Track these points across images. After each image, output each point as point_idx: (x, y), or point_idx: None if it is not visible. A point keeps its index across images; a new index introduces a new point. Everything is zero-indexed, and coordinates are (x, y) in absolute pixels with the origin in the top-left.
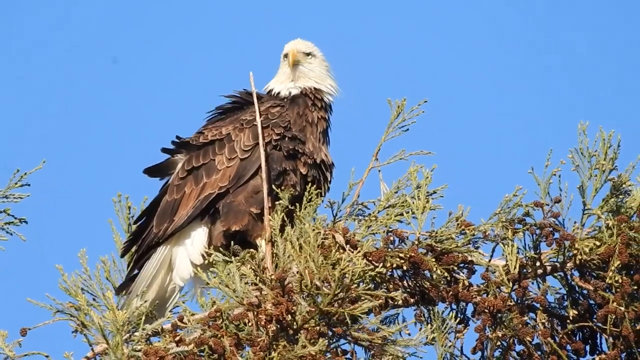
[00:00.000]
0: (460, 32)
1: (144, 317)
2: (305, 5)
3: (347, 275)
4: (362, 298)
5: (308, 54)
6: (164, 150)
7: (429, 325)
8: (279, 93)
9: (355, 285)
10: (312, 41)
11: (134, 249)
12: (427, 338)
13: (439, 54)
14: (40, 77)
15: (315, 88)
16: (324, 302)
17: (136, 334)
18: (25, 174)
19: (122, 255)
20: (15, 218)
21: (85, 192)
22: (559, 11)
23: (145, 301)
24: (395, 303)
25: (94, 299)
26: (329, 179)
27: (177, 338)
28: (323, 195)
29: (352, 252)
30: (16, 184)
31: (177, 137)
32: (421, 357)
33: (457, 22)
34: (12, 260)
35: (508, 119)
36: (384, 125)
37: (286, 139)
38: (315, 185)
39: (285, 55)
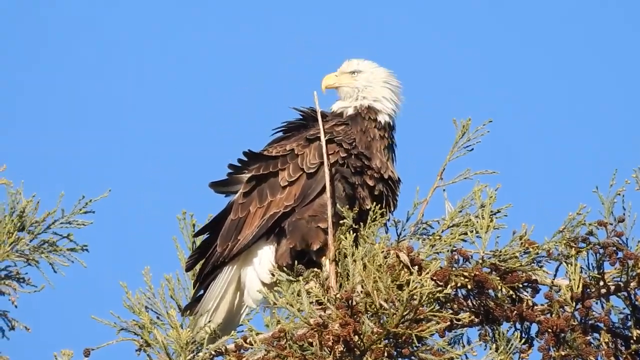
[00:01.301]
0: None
1: (207, 337)
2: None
3: (415, 296)
4: (429, 319)
5: (353, 72)
6: (231, 168)
7: (494, 344)
8: (337, 112)
9: (423, 306)
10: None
11: (198, 266)
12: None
13: (505, 72)
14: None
15: (368, 106)
16: (392, 323)
17: (200, 354)
18: (91, 200)
19: (187, 270)
20: (77, 245)
21: (149, 209)
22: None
23: (210, 321)
24: (461, 323)
25: (157, 317)
26: (397, 195)
27: (242, 358)
28: (392, 210)
29: (419, 273)
30: (80, 210)
31: (244, 152)
32: None
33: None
34: (72, 287)
35: (573, 138)
36: (446, 143)
37: (352, 156)
38: (383, 201)
39: None
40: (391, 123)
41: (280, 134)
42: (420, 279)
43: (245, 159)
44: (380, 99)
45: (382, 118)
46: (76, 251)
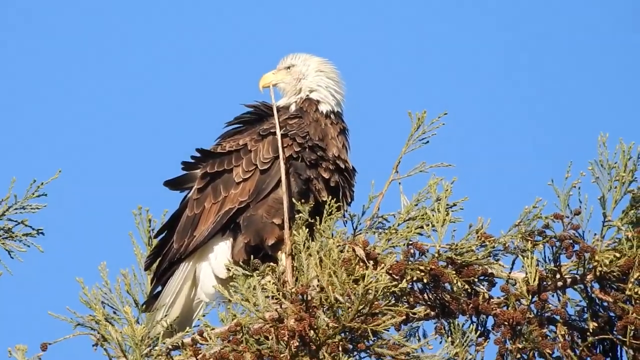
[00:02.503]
0: (473, 39)
1: (162, 332)
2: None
3: (370, 291)
4: (385, 313)
5: (288, 67)
6: (185, 165)
7: (450, 338)
8: (283, 106)
9: (378, 300)
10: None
11: (156, 264)
12: (449, 354)
13: (455, 61)
14: (57, 81)
15: (307, 97)
16: (347, 317)
17: (156, 348)
18: (42, 183)
19: (146, 269)
20: (33, 229)
21: (105, 204)
22: (568, 14)
23: (166, 316)
24: (417, 317)
25: (114, 312)
26: (353, 185)
27: (198, 353)
28: (349, 202)
29: (375, 267)
30: (33, 194)
31: (197, 149)
32: None
33: (470, 29)
34: (30, 272)
35: (527, 130)
36: (401, 136)
37: (307, 149)
38: (340, 192)
39: None
40: (334, 110)
41: (233, 127)
42: (376, 274)
43: (199, 155)
44: (316, 88)
45: (324, 108)
46: (32, 236)
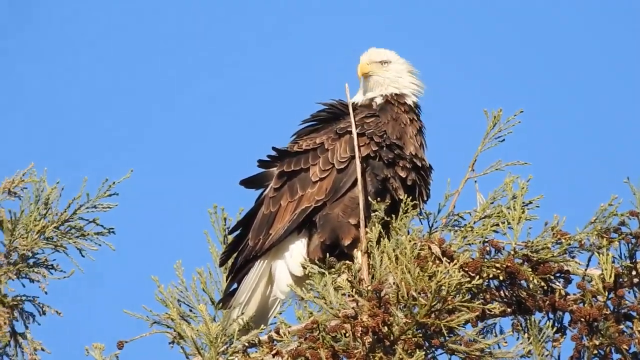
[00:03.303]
0: (546, 35)
1: (236, 330)
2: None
3: (443, 287)
4: (459, 309)
5: (382, 62)
6: (261, 163)
7: (526, 334)
8: (363, 104)
9: (452, 296)
10: (391, 47)
11: (231, 260)
12: (524, 350)
13: (532, 58)
14: (140, 83)
15: (395, 94)
16: (421, 313)
17: (232, 346)
18: (114, 183)
19: (221, 265)
20: (104, 228)
21: (180, 203)
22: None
23: (243, 314)
24: (492, 313)
25: (190, 310)
26: (429, 183)
27: (274, 350)
28: (425, 200)
29: (449, 264)
30: (105, 193)
31: (274, 148)
32: None
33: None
34: (102, 271)
35: (604, 128)
36: (477, 135)
37: (384, 148)
38: (416, 191)
39: None
40: (418, 104)
41: (309, 125)
42: (448, 270)
43: (275, 154)
44: (407, 86)
45: (410, 100)
46: (104, 235)
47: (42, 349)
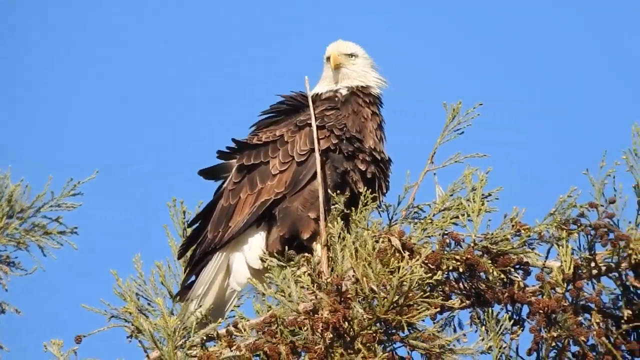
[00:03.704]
0: (512, 29)
1: (194, 323)
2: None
3: (405, 282)
4: (420, 304)
5: (350, 55)
6: (220, 155)
7: (484, 326)
8: (326, 96)
9: (413, 292)
10: (355, 39)
11: (189, 253)
12: (484, 347)
13: (489, 49)
14: (96, 77)
15: (362, 86)
16: (381, 308)
17: (190, 339)
18: (79, 182)
19: (179, 257)
20: (67, 227)
21: (138, 196)
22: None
23: (200, 306)
24: (452, 307)
25: (149, 304)
26: (388, 176)
27: (233, 344)
28: (384, 192)
29: (411, 258)
30: (69, 192)
31: (233, 139)
32: None
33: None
34: (64, 270)
35: (562, 120)
36: (436, 127)
37: (344, 141)
38: (376, 184)
39: (328, 58)
40: (381, 97)
41: (269, 116)
42: (411, 265)
43: (234, 146)
44: (374, 80)
45: (374, 91)
46: (66, 234)
47: (1, 347)
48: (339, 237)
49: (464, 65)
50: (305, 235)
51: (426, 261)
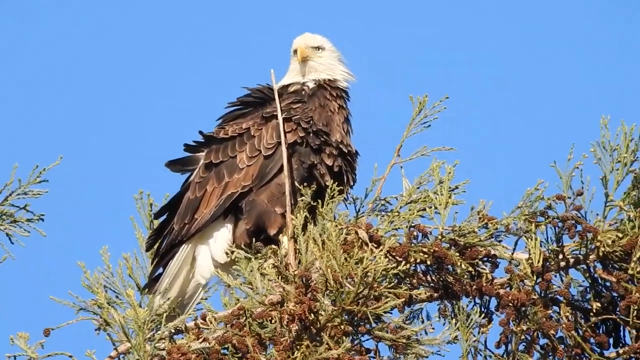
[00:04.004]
0: (477, 25)
1: (164, 315)
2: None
3: (369, 273)
4: (386, 296)
5: (317, 48)
6: (187, 148)
7: (454, 320)
8: (294, 89)
9: (378, 283)
10: (321, 33)
11: (156, 245)
12: (450, 336)
13: (458, 46)
14: (58, 68)
15: (329, 79)
16: (347, 300)
17: (159, 332)
18: (45, 169)
19: (147, 250)
20: (34, 214)
21: (105, 188)
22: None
23: (168, 299)
24: (419, 299)
25: (117, 297)
26: (355, 168)
27: (200, 337)
28: (351, 185)
29: (375, 249)
30: (35, 179)
31: (200, 132)
32: (444, 356)
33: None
34: (32, 257)
35: (529, 113)
36: (403, 120)
37: (311, 134)
38: (343, 177)
39: (295, 51)
40: (348, 91)
41: (236, 109)
42: (374, 255)
43: (201, 139)
44: (340, 74)
45: (342, 84)
46: (34, 221)
47: None
48: (304, 228)
49: (433, 58)
50: (272, 231)
51: (393, 253)
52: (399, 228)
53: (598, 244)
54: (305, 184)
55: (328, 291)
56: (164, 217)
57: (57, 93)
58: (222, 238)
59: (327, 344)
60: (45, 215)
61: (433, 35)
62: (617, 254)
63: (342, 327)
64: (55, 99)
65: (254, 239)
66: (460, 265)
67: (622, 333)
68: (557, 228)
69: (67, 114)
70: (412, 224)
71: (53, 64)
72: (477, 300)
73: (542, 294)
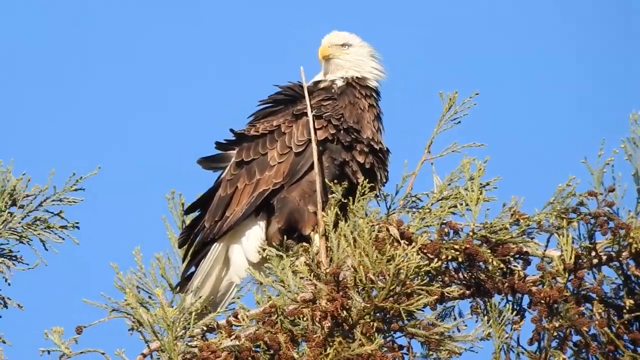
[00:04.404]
0: (509, 22)
1: (193, 314)
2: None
3: (402, 270)
4: (418, 293)
5: (343, 45)
6: (218, 146)
7: (486, 317)
8: (323, 86)
9: (410, 280)
10: (353, 29)
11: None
12: (483, 333)
13: (489, 43)
14: (88, 67)
15: (357, 77)
16: (379, 297)
17: (189, 330)
18: (81, 178)
19: (180, 246)
20: (69, 222)
21: (137, 188)
22: None
23: (200, 297)
24: (451, 296)
25: (149, 297)
26: (387, 166)
27: (232, 334)
28: (384, 182)
29: (407, 246)
30: (71, 187)
31: (231, 130)
32: (477, 352)
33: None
34: (65, 264)
35: (560, 109)
36: (433, 116)
37: (342, 131)
38: (375, 174)
39: None
40: (378, 90)
41: (267, 106)
42: (407, 253)
43: (233, 137)
44: (370, 71)
45: (371, 84)
46: (68, 228)
47: (4, 342)
48: (335, 226)
49: (461, 54)
50: (307, 231)
51: (425, 250)
52: (430, 225)
53: (631, 240)
54: (336, 181)
55: (359, 288)
56: (196, 214)
57: (83, 92)
58: (254, 236)
59: (360, 340)
60: (79, 223)
61: (460, 23)
62: None
63: (374, 324)
64: (82, 99)
65: (285, 237)
66: (492, 262)
67: None
68: (589, 225)
69: (98, 113)
70: (444, 221)
71: (84, 62)
72: (509, 298)
73: (575, 291)
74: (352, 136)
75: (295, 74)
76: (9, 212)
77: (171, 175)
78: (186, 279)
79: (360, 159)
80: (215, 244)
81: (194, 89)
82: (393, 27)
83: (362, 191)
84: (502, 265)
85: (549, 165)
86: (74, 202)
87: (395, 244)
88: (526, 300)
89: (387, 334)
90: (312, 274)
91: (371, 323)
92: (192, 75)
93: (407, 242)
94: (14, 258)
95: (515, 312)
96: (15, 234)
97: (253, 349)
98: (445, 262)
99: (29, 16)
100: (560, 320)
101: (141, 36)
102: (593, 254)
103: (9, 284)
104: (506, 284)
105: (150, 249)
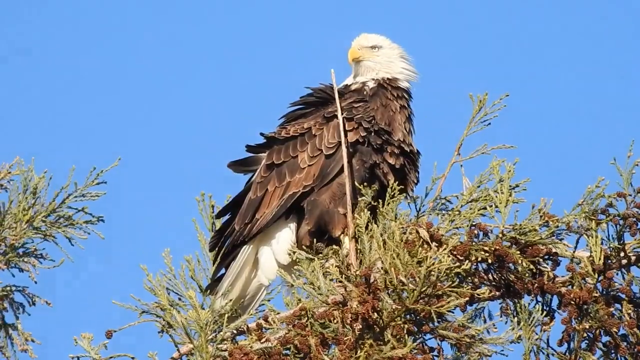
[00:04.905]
0: (536, 24)
1: (226, 317)
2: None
3: (433, 272)
4: (448, 294)
5: (373, 47)
6: (249, 149)
7: (515, 318)
8: (354, 88)
9: (441, 282)
10: (382, 31)
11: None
12: (514, 336)
13: (517, 45)
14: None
15: (389, 78)
16: (410, 299)
17: (221, 333)
18: (102, 171)
19: (211, 250)
20: (93, 216)
21: (168, 191)
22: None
23: (230, 300)
24: (481, 297)
25: (179, 299)
26: (418, 168)
27: (263, 337)
28: (415, 183)
29: (438, 249)
30: (93, 182)
31: (261, 133)
32: (507, 355)
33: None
34: (91, 259)
35: (588, 110)
36: (462, 118)
37: (372, 133)
38: (406, 175)
39: None
40: (410, 90)
41: (298, 108)
42: (438, 255)
43: (263, 140)
44: (400, 72)
45: (403, 84)
46: (92, 223)
47: (32, 340)
48: (366, 228)
49: (490, 55)
50: (337, 232)
51: (454, 252)
52: (460, 227)
53: None
54: (366, 184)
55: (390, 290)
56: (227, 217)
57: (114, 92)
58: (284, 239)
59: (391, 342)
60: (104, 217)
61: (487, 26)
62: None
63: (405, 326)
64: (111, 97)
65: (315, 239)
66: (522, 263)
67: None
68: (618, 226)
69: (126, 113)
70: (473, 223)
71: (115, 60)
72: (539, 299)
73: (604, 292)
74: (383, 138)
75: (300, 75)
76: (32, 212)
77: (202, 177)
78: (216, 281)
79: (392, 160)
80: (245, 246)
81: (229, 87)
82: (420, 29)
83: (392, 194)
84: (531, 267)
85: (579, 166)
86: (97, 196)
87: (425, 246)
88: (556, 301)
89: (417, 336)
90: (342, 276)
91: (402, 325)
92: (228, 74)
93: (436, 244)
94: (39, 256)
95: (545, 313)
96: (40, 233)
97: (283, 352)
98: (475, 264)
99: (46, 15)
100: (590, 321)
101: (198, 29)
102: (622, 254)
103: (35, 282)
104: (536, 285)
105: (181, 252)
